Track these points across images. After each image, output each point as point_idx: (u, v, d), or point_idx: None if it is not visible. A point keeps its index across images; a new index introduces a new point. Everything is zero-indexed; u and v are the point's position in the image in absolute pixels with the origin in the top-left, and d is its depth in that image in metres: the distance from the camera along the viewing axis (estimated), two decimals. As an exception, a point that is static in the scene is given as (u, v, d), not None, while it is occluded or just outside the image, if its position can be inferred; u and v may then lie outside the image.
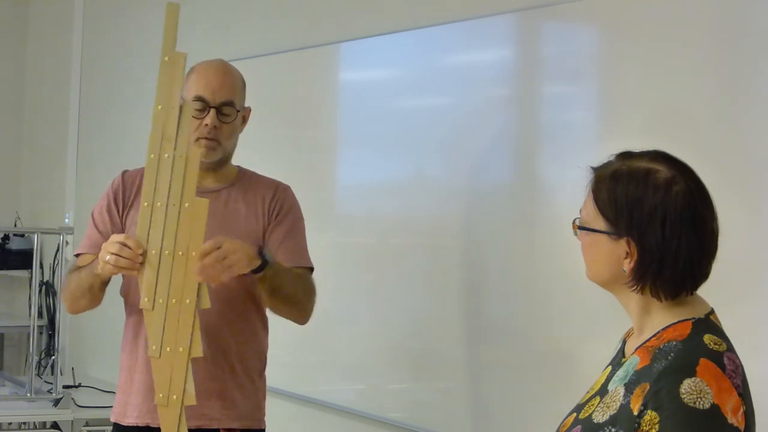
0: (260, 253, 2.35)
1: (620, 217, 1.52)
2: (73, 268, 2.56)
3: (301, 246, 2.58)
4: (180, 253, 2.25)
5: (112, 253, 2.26)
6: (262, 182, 2.61)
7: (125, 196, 2.56)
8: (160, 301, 2.24)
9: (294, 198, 2.62)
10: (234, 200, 2.54)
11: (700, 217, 1.50)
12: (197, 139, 2.46)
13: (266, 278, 2.38)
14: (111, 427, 2.59)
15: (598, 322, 2.49)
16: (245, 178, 2.60)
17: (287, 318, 2.53)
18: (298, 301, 2.50)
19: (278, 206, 2.56)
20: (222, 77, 2.51)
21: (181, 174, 2.28)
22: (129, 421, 2.50)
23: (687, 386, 1.41)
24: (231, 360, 2.49)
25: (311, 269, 2.57)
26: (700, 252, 1.50)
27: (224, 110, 2.49)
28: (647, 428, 1.42)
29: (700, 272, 1.52)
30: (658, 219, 1.48)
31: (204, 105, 2.46)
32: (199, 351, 2.23)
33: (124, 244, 2.25)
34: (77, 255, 2.58)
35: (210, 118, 2.46)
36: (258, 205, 2.55)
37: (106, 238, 2.50)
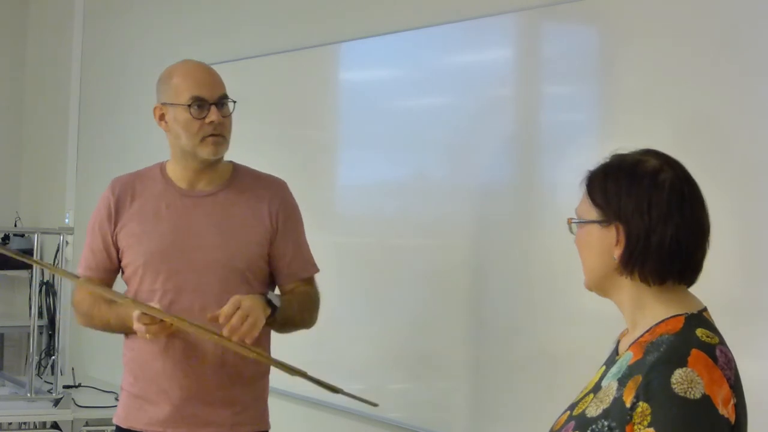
0: (267, 300, 2.40)
1: (609, 205, 1.56)
2: (81, 287, 2.59)
3: (309, 253, 2.61)
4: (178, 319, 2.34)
5: (143, 331, 2.34)
6: (259, 180, 2.59)
7: (118, 209, 2.53)
8: (216, 337, 2.32)
9: (292, 195, 2.61)
10: (231, 203, 2.52)
11: (688, 205, 1.53)
12: (202, 139, 2.45)
13: (276, 319, 2.43)
14: (110, 428, 2.59)
15: (598, 323, 2.48)
16: (240, 175, 2.57)
17: (293, 333, 2.57)
18: (304, 322, 2.56)
19: (282, 210, 2.54)
20: (209, 72, 2.51)
21: None
22: (138, 426, 2.50)
23: (678, 376, 1.41)
24: (238, 366, 2.48)
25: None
26: (686, 238, 1.52)
27: (222, 104, 2.48)
28: (639, 420, 1.42)
29: (689, 259, 1.53)
30: (645, 205, 1.52)
31: (203, 103, 2.44)
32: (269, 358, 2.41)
33: (143, 323, 2.34)
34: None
35: (214, 114, 2.44)
36: (258, 207, 2.52)
37: (99, 258, 2.54)
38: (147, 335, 2.33)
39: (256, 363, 2.51)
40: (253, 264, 2.49)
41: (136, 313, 2.34)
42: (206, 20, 4.31)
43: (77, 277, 2.47)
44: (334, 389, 2.38)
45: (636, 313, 1.57)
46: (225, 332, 2.27)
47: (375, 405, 2.47)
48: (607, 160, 1.61)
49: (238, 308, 2.28)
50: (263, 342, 2.55)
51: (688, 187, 1.55)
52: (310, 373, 2.33)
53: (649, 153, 1.59)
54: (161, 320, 2.31)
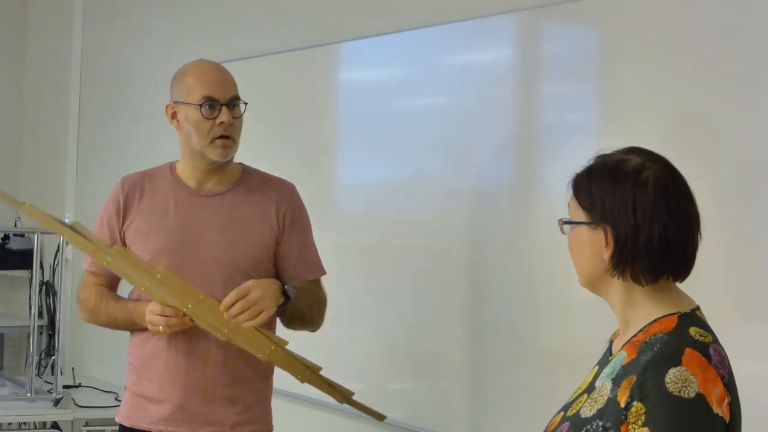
0: (283, 290, 2.41)
1: (595, 207, 1.56)
2: (87, 283, 2.60)
3: (316, 255, 2.62)
4: (201, 297, 2.37)
5: (162, 324, 2.36)
6: (268, 182, 2.59)
7: (126, 206, 2.54)
8: (225, 330, 2.35)
9: (300, 198, 2.62)
10: (240, 203, 2.52)
11: (674, 200, 1.53)
12: (212, 141, 2.45)
13: (287, 310, 2.45)
14: (110, 428, 2.60)
15: (598, 323, 2.48)
16: (249, 177, 2.58)
17: (299, 331, 2.58)
18: (313, 321, 2.57)
19: (289, 212, 2.55)
20: (222, 73, 2.51)
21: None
22: (141, 425, 2.51)
23: (672, 375, 1.42)
24: (242, 365, 2.49)
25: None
26: (675, 233, 1.51)
27: (234, 105, 2.48)
28: (633, 419, 1.43)
29: (679, 255, 1.53)
30: (629, 204, 1.52)
31: (214, 103, 2.45)
32: (282, 342, 2.44)
33: (164, 315, 2.36)
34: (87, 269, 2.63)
35: (225, 115, 2.45)
36: (266, 209, 2.53)
37: None
38: (161, 328, 2.36)
39: (260, 363, 2.51)
40: (258, 264, 2.49)
41: (151, 306, 2.37)
42: (206, 20, 4.31)
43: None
44: (346, 394, 2.43)
45: (628, 313, 1.58)
46: (225, 316, 2.31)
47: (384, 417, 2.54)
48: (591, 162, 1.61)
49: (243, 297, 2.31)
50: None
51: (673, 181, 1.55)
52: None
53: (632, 151, 1.59)
54: (184, 314, 2.35)
